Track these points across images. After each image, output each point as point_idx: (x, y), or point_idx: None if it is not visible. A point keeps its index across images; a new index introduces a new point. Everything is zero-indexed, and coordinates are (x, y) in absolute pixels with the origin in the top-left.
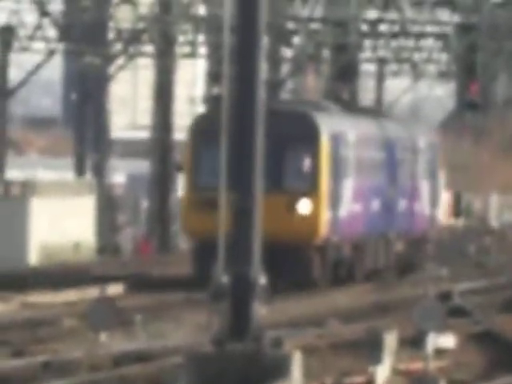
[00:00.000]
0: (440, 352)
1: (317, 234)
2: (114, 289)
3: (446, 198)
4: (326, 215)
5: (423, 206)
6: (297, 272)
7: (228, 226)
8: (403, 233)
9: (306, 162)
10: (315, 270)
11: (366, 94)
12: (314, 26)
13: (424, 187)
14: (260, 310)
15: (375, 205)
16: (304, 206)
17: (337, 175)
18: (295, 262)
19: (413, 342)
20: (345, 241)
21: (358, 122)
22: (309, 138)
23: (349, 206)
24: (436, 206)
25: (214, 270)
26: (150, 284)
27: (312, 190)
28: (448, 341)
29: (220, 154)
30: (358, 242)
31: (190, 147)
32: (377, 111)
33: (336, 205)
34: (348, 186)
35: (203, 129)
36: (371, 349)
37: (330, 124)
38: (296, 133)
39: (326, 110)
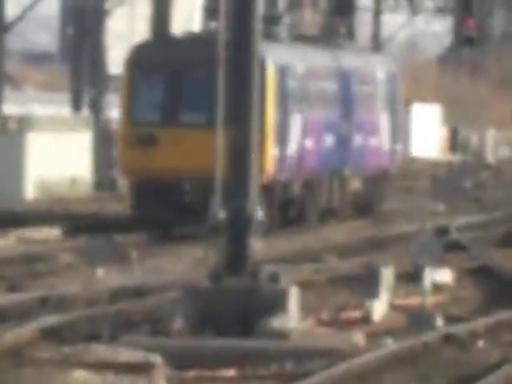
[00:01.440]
0: (437, 287)
1: (262, 172)
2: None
3: (442, 133)
4: (272, 152)
5: (382, 140)
6: None
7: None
8: (360, 170)
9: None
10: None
11: (364, 28)
12: None
13: (383, 121)
14: (256, 245)
15: (328, 140)
16: None
17: (284, 109)
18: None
19: (410, 277)
20: (294, 179)
21: (309, 52)
22: (253, 69)
23: (298, 143)
24: (397, 140)
25: (211, 205)
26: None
27: (258, 126)
28: (445, 276)
29: (160, 86)
30: (309, 180)
31: (128, 80)
32: (330, 40)
33: (284, 141)
34: (297, 121)
35: (141, 60)
36: (368, 283)
37: (276, 53)
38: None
39: (272, 39)
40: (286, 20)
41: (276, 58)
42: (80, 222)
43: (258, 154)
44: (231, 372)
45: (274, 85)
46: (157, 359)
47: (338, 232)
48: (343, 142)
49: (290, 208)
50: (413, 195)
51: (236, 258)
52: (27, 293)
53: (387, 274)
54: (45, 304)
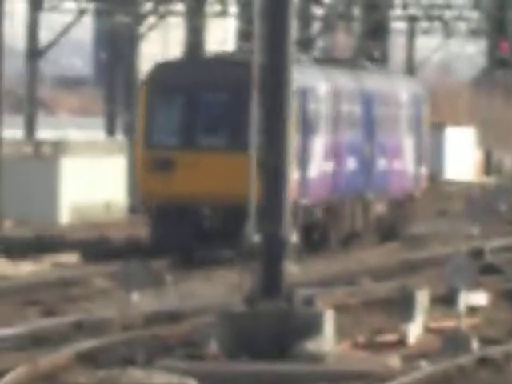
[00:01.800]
0: (472, 309)
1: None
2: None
3: (476, 156)
4: (292, 176)
5: (406, 164)
6: None
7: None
8: (383, 193)
9: None
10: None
11: (397, 52)
12: None
13: (407, 144)
14: (292, 269)
15: (351, 164)
16: None
17: (306, 132)
18: None
19: (444, 300)
20: (316, 203)
21: (332, 74)
22: None
23: (320, 166)
24: (421, 164)
25: (246, 230)
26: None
27: None
28: (480, 298)
29: (178, 109)
30: (331, 204)
31: (145, 99)
32: (355, 62)
33: (305, 164)
34: (319, 144)
35: (158, 81)
36: (403, 307)
37: (297, 76)
38: None
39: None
40: (319, 43)
41: (296, 80)
42: (114, 247)
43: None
44: None
45: (296, 107)
46: (192, 383)
47: (372, 255)
48: (366, 165)
49: (313, 232)
50: (447, 218)
51: (271, 282)
52: (62, 317)
53: (422, 297)
54: (80, 328)
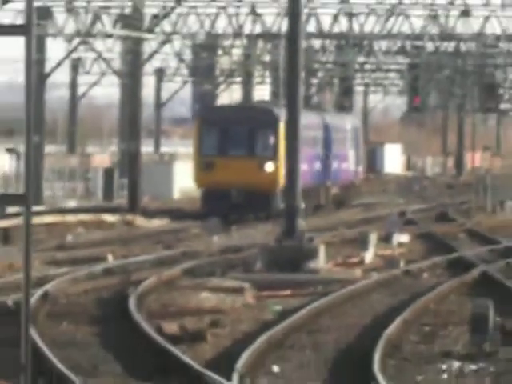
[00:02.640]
0: (400, 244)
1: (278, 184)
2: None
3: (402, 159)
4: (283, 172)
5: (350, 165)
6: (267, 206)
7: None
8: (336, 182)
9: (271, 139)
10: (276, 206)
11: (358, 103)
12: (329, 65)
13: (350, 153)
14: (301, 223)
15: (317, 165)
16: (269, 167)
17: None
18: (264, 202)
19: (385, 239)
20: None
21: (305, 113)
22: (271, 124)
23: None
24: (359, 165)
25: (276, 202)
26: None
27: (274, 157)
28: (404, 238)
29: (217, 134)
30: (306, 188)
31: (198, 129)
32: (320, 107)
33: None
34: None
35: (207, 118)
36: (363, 243)
37: (285, 115)
38: (264, 120)
39: (283, 106)
40: (314, 99)
41: (284, 117)
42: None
43: (273, 173)
44: (288, 292)
45: (284, 133)
46: (246, 285)
47: (344, 214)
48: (326, 166)
49: None
50: (386, 193)
51: (289, 229)
52: (175, 249)
53: (373, 237)
54: (184, 255)
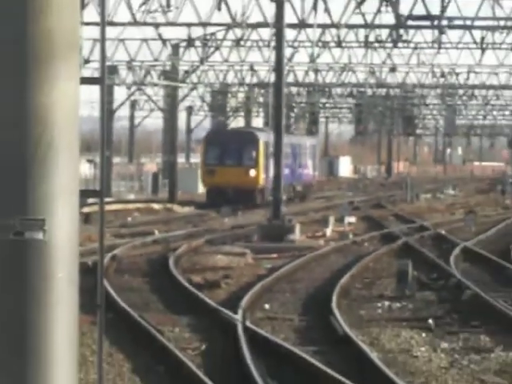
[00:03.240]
0: (350, 223)
1: (258, 184)
2: None
3: (351, 167)
4: (262, 176)
5: (309, 171)
6: (251, 199)
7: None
8: (300, 183)
9: (253, 153)
10: (258, 199)
11: (322, 129)
12: (302, 104)
13: (309, 163)
14: (283, 209)
15: (287, 171)
16: (252, 172)
17: (267, 159)
18: (249, 196)
19: (339, 220)
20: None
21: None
22: (253, 143)
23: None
24: (315, 171)
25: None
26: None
27: (255, 165)
28: (352, 219)
29: (218, 150)
30: None
31: (204, 146)
32: (291, 132)
33: (267, 172)
34: (272, 163)
35: (210, 139)
36: (325, 223)
37: (263, 136)
38: (248, 140)
39: (263, 130)
40: (293, 127)
41: (263, 137)
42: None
43: (255, 177)
44: (275, 255)
45: (263, 149)
46: (247, 251)
47: (312, 204)
48: (294, 172)
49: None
50: (340, 190)
51: (276, 213)
52: (200, 227)
53: (332, 219)
54: (206, 231)
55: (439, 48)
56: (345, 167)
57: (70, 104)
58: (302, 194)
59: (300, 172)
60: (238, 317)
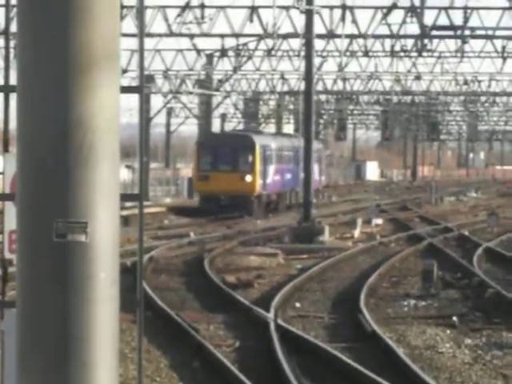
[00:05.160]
0: (377, 225)
1: (254, 190)
2: None
3: (378, 171)
4: (258, 182)
5: (314, 176)
6: (247, 207)
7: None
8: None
9: (250, 158)
10: (254, 206)
11: (349, 136)
12: (331, 111)
13: (315, 167)
14: (313, 211)
15: (288, 176)
16: (248, 178)
17: (264, 164)
18: (246, 203)
19: (367, 222)
20: (271, 192)
21: (278, 139)
22: (250, 146)
23: (272, 177)
24: (322, 175)
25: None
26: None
27: (252, 171)
28: (380, 221)
29: (211, 154)
30: (279, 192)
31: (197, 151)
32: (293, 135)
33: (264, 177)
34: (271, 168)
35: (203, 143)
36: (353, 224)
37: (260, 140)
38: (244, 144)
39: (260, 133)
40: (322, 133)
41: (260, 141)
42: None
43: (251, 183)
44: (305, 255)
45: (259, 153)
46: (279, 251)
47: (342, 206)
48: (295, 176)
49: (270, 205)
50: (367, 193)
51: (306, 216)
52: (233, 229)
53: (359, 221)
54: (239, 233)
55: (462, 57)
56: (372, 171)
57: (110, 111)
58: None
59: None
60: (271, 315)
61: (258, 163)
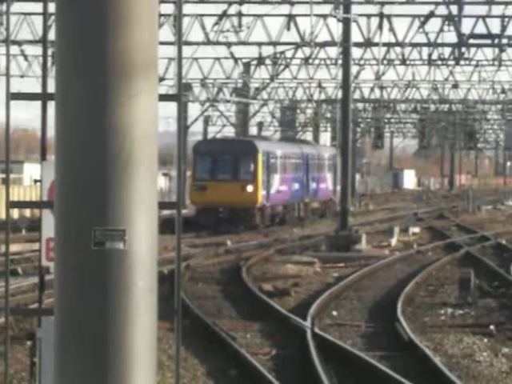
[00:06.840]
0: (414, 234)
1: (257, 202)
2: None
3: (415, 180)
4: (261, 193)
5: (327, 185)
6: (248, 221)
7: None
8: (315, 198)
9: (251, 166)
10: (257, 219)
11: (387, 144)
12: (368, 119)
13: (328, 176)
14: (350, 219)
15: (296, 186)
16: (250, 188)
17: (268, 172)
18: (247, 216)
19: (404, 230)
20: (275, 204)
21: (284, 145)
22: (251, 153)
23: (276, 187)
24: (336, 185)
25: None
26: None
27: (254, 180)
28: (417, 229)
29: (208, 162)
30: (286, 204)
31: (194, 158)
32: (304, 141)
33: (267, 187)
34: (275, 177)
35: (200, 149)
36: (390, 233)
37: (264, 146)
38: (245, 151)
39: (264, 139)
40: (359, 141)
41: (263, 147)
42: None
43: (253, 194)
44: (342, 264)
45: (262, 161)
46: (316, 260)
47: (378, 214)
48: (304, 186)
49: (275, 218)
50: (406, 202)
51: (343, 224)
52: (270, 237)
53: (396, 229)
54: (276, 241)
55: (499, 65)
56: (409, 180)
57: (149, 119)
58: (319, 212)
59: (314, 187)
60: (307, 323)
61: (260, 172)
